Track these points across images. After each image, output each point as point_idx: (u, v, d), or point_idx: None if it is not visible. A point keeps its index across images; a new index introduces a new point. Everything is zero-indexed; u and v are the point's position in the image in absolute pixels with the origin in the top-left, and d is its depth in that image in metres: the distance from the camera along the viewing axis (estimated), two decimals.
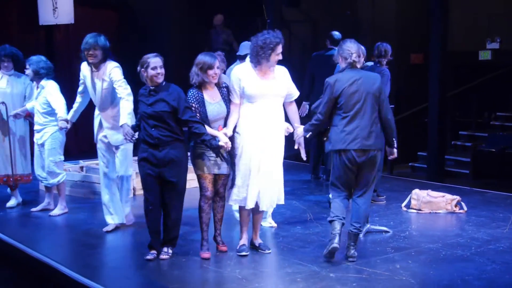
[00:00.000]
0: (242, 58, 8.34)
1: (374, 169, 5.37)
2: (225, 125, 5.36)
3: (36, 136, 6.96)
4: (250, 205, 5.35)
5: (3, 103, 7.22)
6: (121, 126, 5.67)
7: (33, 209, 7.16)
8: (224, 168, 5.36)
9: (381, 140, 5.41)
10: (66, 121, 6.54)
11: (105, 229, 6.27)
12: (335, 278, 4.91)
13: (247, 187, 5.34)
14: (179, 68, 5.20)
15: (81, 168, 8.67)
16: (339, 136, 5.27)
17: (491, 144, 10.61)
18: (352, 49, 5.38)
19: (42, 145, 6.91)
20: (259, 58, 5.32)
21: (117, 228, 6.33)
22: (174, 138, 5.20)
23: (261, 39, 5.31)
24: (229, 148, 5.20)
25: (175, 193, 5.29)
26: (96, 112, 6.29)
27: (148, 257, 5.33)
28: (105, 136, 6.23)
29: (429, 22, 9.67)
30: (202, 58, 5.28)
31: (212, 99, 5.33)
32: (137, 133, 5.49)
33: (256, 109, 5.36)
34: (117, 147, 6.20)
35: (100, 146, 6.30)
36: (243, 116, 5.39)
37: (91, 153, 9.75)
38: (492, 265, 5.23)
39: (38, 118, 6.90)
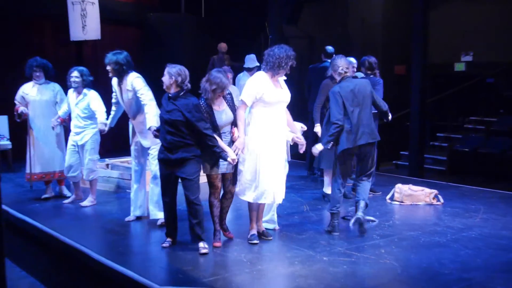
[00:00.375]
0: (250, 70, 8.39)
1: (374, 154, 5.93)
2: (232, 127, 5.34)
3: (75, 138, 6.90)
4: (270, 200, 5.38)
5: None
6: (148, 128, 5.67)
7: (65, 201, 7.22)
8: (229, 168, 5.33)
9: (376, 132, 5.89)
10: (105, 124, 6.55)
11: (127, 218, 6.29)
12: (327, 261, 4.92)
13: (263, 184, 5.29)
14: (191, 81, 5.19)
15: (107, 165, 8.69)
16: (348, 137, 5.61)
17: (464, 145, 10.61)
18: (340, 63, 5.79)
19: (82, 146, 6.89)
20: (280, 69, 5.30)
21: (139, 218, 6.32)
22: (186, 143, 5.07)
23: (282, 51, 5.30)
24: (235, 163, 5.19)
25: (190, 189, 5.13)
26: (130, 120, 6.26)
27: (164, 244, 5.33)
28: (138, 141, 6.18)
29: (411, 38, 9.68)
30: (217, 79, 5.17)
31: (218, 107, 5.27)
32: None
33: (270, 113, 5.33)
34: (149, 149, 6.13)
35: (133, 148, 6.23)
36: (257, 119, 5.34)
37: (115, 152, 9.88)
38: (465, 250, 5.23)
39: (78, 122, 6.85)
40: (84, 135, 6.88)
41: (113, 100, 6.38)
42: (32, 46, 10.83)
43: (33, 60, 7.28)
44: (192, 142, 5.09)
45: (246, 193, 5.39)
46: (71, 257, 5.49)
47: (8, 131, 9.71)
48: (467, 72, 12.27)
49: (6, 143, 9.46)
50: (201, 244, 5.15)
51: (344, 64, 5.78)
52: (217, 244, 5.33)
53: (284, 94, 5.42)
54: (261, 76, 5.39)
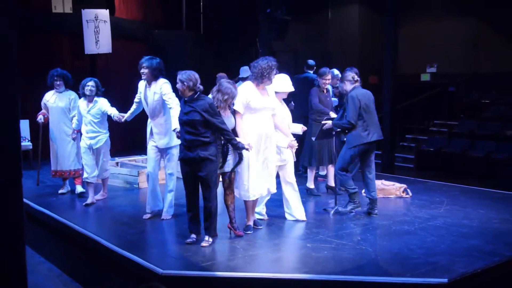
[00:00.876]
0: (244, 79, 8.34)
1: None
2: (234, 134, 5.13)
3: (90, 142, 6.62)
4: (254, 197, 5.33)
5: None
6: (173, 130, 5.43)
7: (85, 203, 6.66)
8: (227, 167, 5.13)
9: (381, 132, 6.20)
10: (122, 116, 6.38)
11: (144, 216, 5.98)
12: (310, 247, 4.88)
13: (248, 183, 5.22)
14: None
15: (117, 163, 8.61)
16: (362, 134, 5.90)
17: (430, 145, 10.62)
18: (351, 74, 6.04)
19: (97, 149, 6.67)
20: (263, 78, 5.24)
21: (154, 214, 6.05)
22: (204, 142, 4.86)
23: (265, 62, 5.23)
24: (251, 148, 5.06)
25: (206, 187, 4.95)
26: (148, 120, 5.96)
27: (188, 240, 5.00)
28: (154, 141, 5.92)
29: (383, 51, 9.68)
30: (228, 90, 5.05)
31: (225, 114, 5.11)
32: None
33: (256, 119, 5.26)
34: (164, 150, 5.92)
35: (150, 147, 5.97)
36: (246, 124, 5.25)
37: (124, 151, 9.82)
38: (431, 237, 5.21)
39: (92, 127, 6.60)
40: (99, 139, 6.66)
41: (136, 100, 6.14)
42: (52, 58, 10.80)
43: (54, 71, 7.16)
44: (209, 140, 4.89)
45: (236, 190, 5.33)
46: (84, 244, 5.43)
47: (29, 133, 9.65)
48: (432, 81, 12.32)
49: (27, 144, 9.39)
50: (206, 238, 5.00)
51: (355, 74, 6.04)
52: (240, 233, 5.25)
53: (269, 101, 5.34)
54: (247, 85, 5.34)
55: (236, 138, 5.04)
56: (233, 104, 5.22)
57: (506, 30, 11.08)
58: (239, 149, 5.00)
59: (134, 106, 6.28)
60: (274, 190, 5.53)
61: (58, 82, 7.12)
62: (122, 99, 10.56)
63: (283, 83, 5.72)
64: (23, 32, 9.95)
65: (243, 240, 5.10)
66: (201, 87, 5.00)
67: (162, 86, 5.77)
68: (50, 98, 7.18)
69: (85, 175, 6.77)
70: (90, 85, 6.61)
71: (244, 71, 8.45)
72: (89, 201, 6.69)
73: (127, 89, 11.76)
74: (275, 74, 5.36)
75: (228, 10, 13.51)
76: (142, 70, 5.77)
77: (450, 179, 8.60)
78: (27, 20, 10.24)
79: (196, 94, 4.96)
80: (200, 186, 5.01)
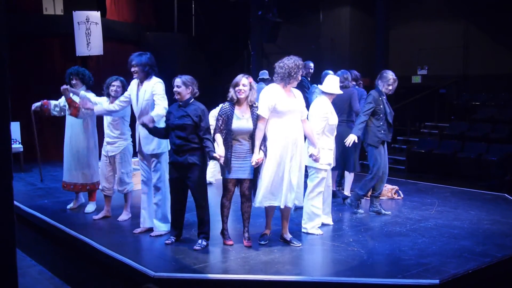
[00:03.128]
0: (265, 80, 8.36)
1: None
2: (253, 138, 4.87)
3: (107, 148, 5.92)
4: (265, 204, 4.94)
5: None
6: (143, 121, 4.97)
7: (94, 217, 6.07)
8: (247, 174, 4.90)
9: None
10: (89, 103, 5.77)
11: (135, 231, 5.53)
12: (303, 249, 4.89)
13: (277, 190, 4.88)
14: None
15: None
16: (380, 132, 6.04)
17: (421, 147, 10.65)
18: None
19: (113, 157, 5.92)
20: (291, 78, 4.87)
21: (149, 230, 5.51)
22: (192, 147, 4.84)
23: (291, 62, 4.87)
24: (222, 159, 4.74)
25: (197, 193, 4.95)
26: (137, 123, 5.38)
27: (166, 241, 5.08)
28: (140, 146, 5.40)
29: (375, 54, 9.72)
30: (235, 78, 4.92)
31: (241, 115, 4.84)
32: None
33: (283, 123, 4.86)
34: (150, 157, 5.40)
35: (139, 158, 5.55)
36: (272, 129, 4.87)
37: None
38: (422, 239, 5.23)
39: (110, 132, 5.89)
40: (116, 146, 5.89)
41: (122, 98, 5.56)
42: (43, 60, 10.76)
43: (70, 68, 6.32)
44: (198, 146, 4.86)
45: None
46: (75, 247, 5.39)
47: (20, 136, 9.59)
48: (423, 83, 12.37)
49: (18, 146, 9.33)
50: (199, 241, 4.98)
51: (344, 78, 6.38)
52: (229, 242, 5.01)
53: (296, 103, 4.93)
54: (273, 87, 4.96)
55: (212, 146, 4.78)
56: (256, 107, 4.90)
57: (496, 32, 11.17)
58: (211, 157, 4.80)
59: (108, 102, 5.77)
60: (290, 204, 4.95)
61: (73, 81, 6.24)
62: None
63: (330, 84, 5.46)
64: (13, 34, 9.89)
65: (235, 243, 5.08)
66: (198, 91, 4.98)
67: (155, 85, 5.27)
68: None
69: (100, 184, 6.19)
70: (115, 85, 5.83)
71: (263, 73, 8.50)
72: (99, 215, 6.07)
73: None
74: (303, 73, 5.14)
75: (220, 13, 13.52)
76: (132, 69, 5.28)
77: (441, 180, 8.64)
78: (17, 22, 10.19)
79: (191, 99, 4.95)
80: (192, 194, 5.00)
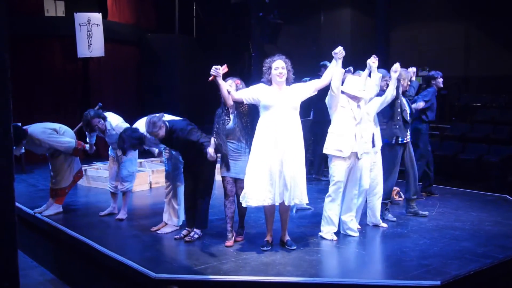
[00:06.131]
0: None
1: None
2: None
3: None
4: (252, 204, 4.75)
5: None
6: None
7: (101, 213, 6.27)
8: (241, 174, 4.93)
9: None
10: None
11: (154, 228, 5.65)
12: (304, 251, 4.88)
13: (247, 186, 4.76)
14: (185, 94, 5.07)
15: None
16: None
17: None
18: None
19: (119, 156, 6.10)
20: (265, 76, 4.87)
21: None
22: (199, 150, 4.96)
23: (267, 60, 4.90)
24: (212, 155, 4.79)
25: (201, 187, 5.11)
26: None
27: (176, 236, 5.28)
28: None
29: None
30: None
31: (231, 116, 4.96)
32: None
33: (272, 117, 4.73)
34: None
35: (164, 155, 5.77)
36: (259, 124, 4.80)
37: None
38: (423, 240, 5.22)
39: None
40: None
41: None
42: (45, 61, 10.77)
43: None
44: (204, 147, 4.95)
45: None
46: (77, 248, 5.39)
47: None
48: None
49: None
50: (191, 233, 5.19)
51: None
52: (228, 243, 5.00)
53: (283, 98, 4.76)
54: (261, 84, 4.94)
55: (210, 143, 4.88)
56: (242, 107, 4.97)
57: (497, 34, 11.15)
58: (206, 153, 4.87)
59: None
60: (287, 202, 4.77)
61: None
62: (115, 103, 10.55)
63: (350, 84, 5.21)
64: (15, 35, 9.91)
65: (237, 244, 5.08)
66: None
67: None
68: None
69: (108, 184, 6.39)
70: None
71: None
72: (106, 211, 6.27)
73: (119, 93, 11.77)
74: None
75: (221, 14, 13.53)
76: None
77: (442, 181, 8.62)
78: (19, 23, 10.21)
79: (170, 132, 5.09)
80: (198, 187, 5.15)
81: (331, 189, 5.21)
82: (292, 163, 4.72)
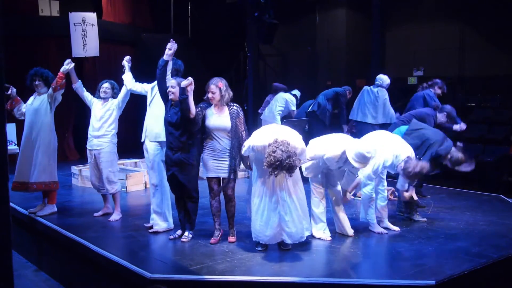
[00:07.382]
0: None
1: None
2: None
3: (92, 142, 6.12)
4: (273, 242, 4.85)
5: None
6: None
7: (95, 214, 6.27)
8: (224, 173, 4.99)
9: None
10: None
11: (147, 225, 5.75)
12: (299, 250, 4.88)
13: (264, 226, 4.78)
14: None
15: None
16: None
17: None
18: None
19: (97, 154, 6.10)
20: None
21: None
22: (184, 144, 4.96)
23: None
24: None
25: (187, 190, 5.11)
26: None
27: (170, 236, 5.31)
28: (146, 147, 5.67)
29: (371, 55, 9.74)
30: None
31: (218, 113, 4.98)
32: None
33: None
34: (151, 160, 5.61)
35: (145, 156, 5.77)
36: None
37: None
38: (418, 239, 5.24)
39: (95, 123, 6.14)
40: (101, 142, 6.08)
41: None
42: (39, 61, 10.72)
43: (32, 70, 6.41)
44: (190, 142, 4.97)
45: None
46: (71, 248, 5.38)
47: (16, 137, 9.58)
48: (419, 85, 12.37)
49: (14, 147, 9.30)
50: (185, 233, 5.22)
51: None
52: (213, 240, 5.10)
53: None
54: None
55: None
56: (237, 106, 5.03)
57: (491, 34, 11.19)
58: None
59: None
60: (289, 240, 4.79)
61: (36, 82, 6.34)
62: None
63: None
64: (9, 35, 9.87)
65: (232, 245, 5.08)
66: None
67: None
68: (29, 100, 6.40)
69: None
70: (104, 87, 6.33)
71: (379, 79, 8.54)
72: (100, 212, 6.29)
73: None
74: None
75: (216, 14, 13.52)
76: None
77: (437, 181, 8.63)
78: (13, 23, 10.18)
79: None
80: (184, 190, 5.15)
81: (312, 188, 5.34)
82: (288, 194, 4.76)
